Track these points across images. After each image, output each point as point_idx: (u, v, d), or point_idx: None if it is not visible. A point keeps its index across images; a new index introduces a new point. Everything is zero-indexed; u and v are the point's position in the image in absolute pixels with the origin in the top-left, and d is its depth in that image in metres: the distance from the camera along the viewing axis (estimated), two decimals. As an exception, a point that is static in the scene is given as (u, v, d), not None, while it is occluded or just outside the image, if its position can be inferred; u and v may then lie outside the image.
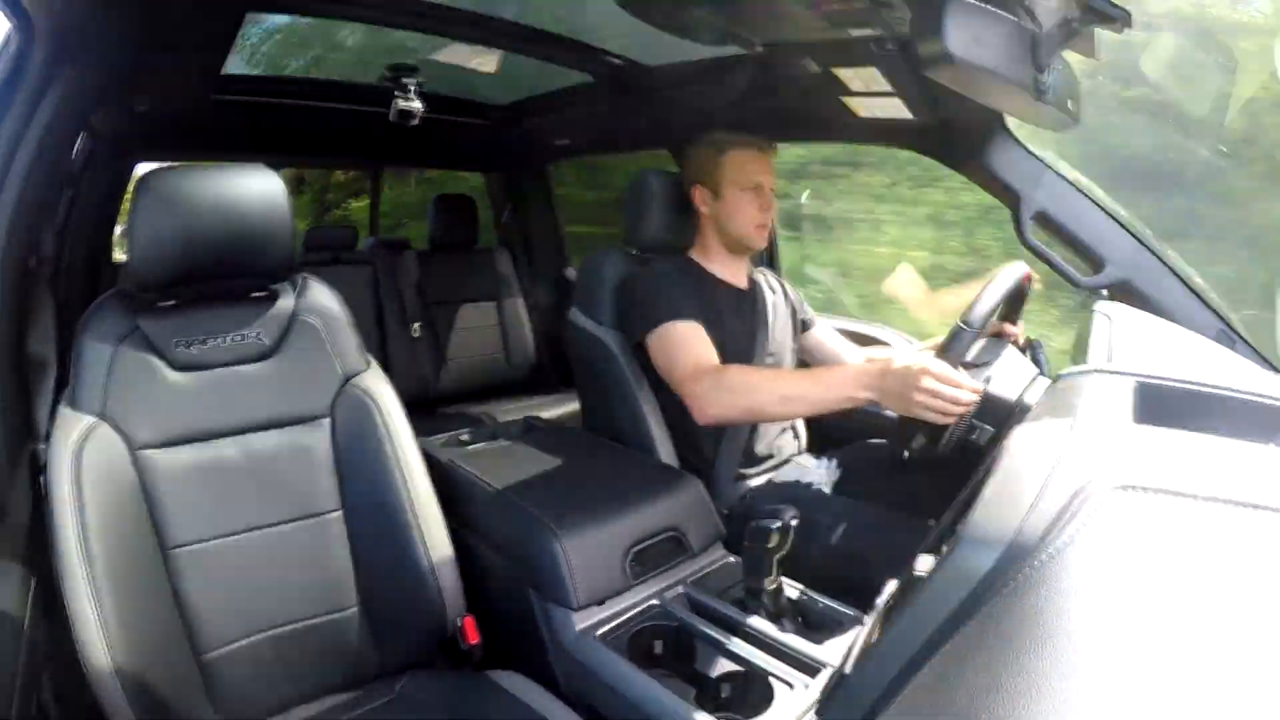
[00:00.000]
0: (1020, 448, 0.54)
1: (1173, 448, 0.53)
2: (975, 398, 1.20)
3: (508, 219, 3.44)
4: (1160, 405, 0.62)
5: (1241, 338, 1.38)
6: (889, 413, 1.90)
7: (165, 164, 1.32)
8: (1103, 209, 1.47)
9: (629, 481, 1.38)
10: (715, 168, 1.65)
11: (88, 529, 0.98)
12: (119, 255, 2.57)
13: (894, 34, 1.27)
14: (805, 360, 1.87)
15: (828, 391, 1.33)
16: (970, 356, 1.27)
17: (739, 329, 1.66)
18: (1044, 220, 1.50)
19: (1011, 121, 1.50)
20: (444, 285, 3.07)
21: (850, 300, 3.17)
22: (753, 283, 1.77)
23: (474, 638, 1.20)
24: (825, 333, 1.89)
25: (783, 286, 1.86)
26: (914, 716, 0.40)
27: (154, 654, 1.01)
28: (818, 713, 0.63)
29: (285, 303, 1.26)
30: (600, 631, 1.13)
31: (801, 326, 1.86)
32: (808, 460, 1.77)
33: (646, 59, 1.99)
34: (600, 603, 1.17)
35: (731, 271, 1.73)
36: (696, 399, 1.44)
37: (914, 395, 1.19)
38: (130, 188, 2.38)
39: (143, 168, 2.46)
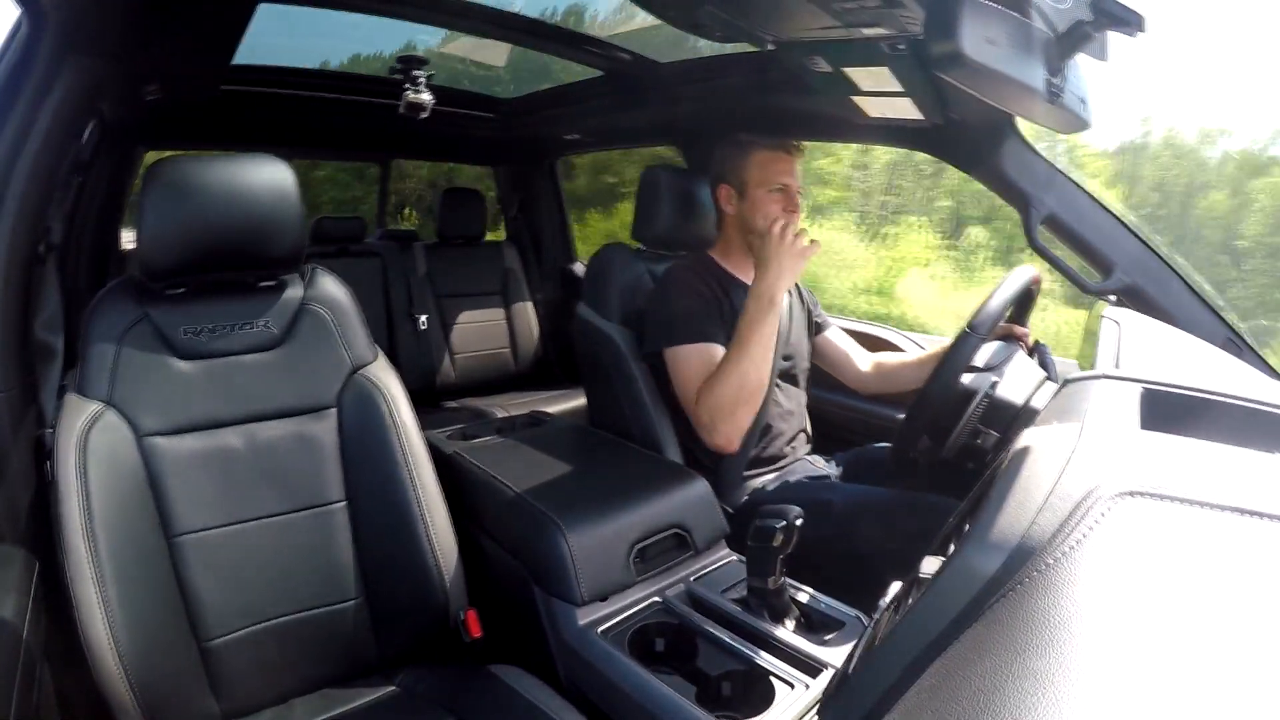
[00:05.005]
0: (1028, 452, 0.54)
1: (1179, 454, 0.53)
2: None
3: (515, 213, 3.43)
4: (1167, 412, 0.62)
5: (1248, 346, 1.38)
6: (897, 415, 1.91)
7: (174, 153, 1.32)
8: (1112, 214, 1.46)
9: (634, 478, 1.38)
10: (741, 167, 1.64)
11: (92, 515, 0.99)
12: (127, 243, 2.57)
13: (906, 34, 1.26)
14: (817, 362, 1.86)
15: (760, 318, 1.43)
16: (978, 361, 1.27)
17: None
18: (1053, 224, 1.49)
19: (1022, 124, 1.49)
20: (451, 278, 3.07)
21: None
22: None
23: (476, 631, 1.20)
24: (836, 335, 1.89)
25: (798, 288, 1.86)
26: (916, 718, 0.40)
27: (156, 641, 1.01)
28: (819, 713, 0.63)
29: (294, 293, 1.26)
30: (603, 627, 1.13)
31: (815, 329, 1.86)
32: (814, 461, 1.76)
33: (656, 55, 1.98)
34: (603, 598, 1.18)
35: (751, 272, 1.72)
36: (707, 433, 1.49)
37: (785, 247, 1.42)
38: (139, 176, 2.39)
39: (151, 156, 2.47)
